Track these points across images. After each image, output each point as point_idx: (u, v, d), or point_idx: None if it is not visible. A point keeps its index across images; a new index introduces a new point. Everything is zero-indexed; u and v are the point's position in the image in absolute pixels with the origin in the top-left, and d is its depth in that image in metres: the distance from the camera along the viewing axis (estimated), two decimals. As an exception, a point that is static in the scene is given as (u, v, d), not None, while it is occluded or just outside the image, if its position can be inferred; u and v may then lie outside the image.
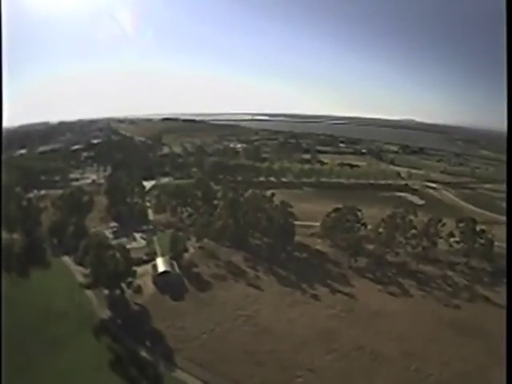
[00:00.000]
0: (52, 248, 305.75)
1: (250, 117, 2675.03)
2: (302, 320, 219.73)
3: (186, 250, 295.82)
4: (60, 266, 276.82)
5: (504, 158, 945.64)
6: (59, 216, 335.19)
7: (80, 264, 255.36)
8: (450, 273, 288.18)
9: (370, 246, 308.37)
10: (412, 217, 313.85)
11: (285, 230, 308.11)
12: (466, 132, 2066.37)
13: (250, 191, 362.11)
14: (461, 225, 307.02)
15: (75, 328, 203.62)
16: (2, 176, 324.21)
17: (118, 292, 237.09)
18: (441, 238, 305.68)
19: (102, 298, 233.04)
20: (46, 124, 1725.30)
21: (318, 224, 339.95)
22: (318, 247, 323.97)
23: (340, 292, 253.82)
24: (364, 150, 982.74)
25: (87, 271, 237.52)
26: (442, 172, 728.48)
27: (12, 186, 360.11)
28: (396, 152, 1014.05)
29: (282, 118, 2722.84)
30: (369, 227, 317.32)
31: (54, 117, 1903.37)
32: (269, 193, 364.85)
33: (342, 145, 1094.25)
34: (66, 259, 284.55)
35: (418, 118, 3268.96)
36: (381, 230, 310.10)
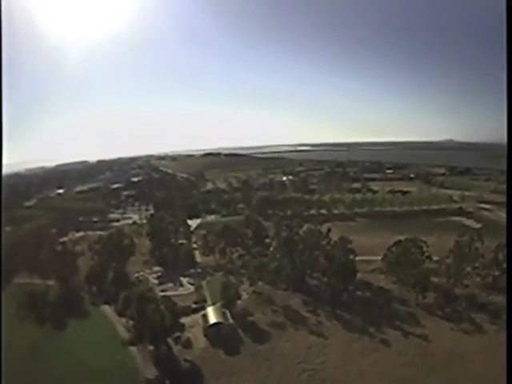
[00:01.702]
0: (90, 296, 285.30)
1: (292, 148, 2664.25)
2: (374, 370, 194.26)
3: (239, 297, 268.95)
4: (99, 317, 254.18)
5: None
6: (97, 261, 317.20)
7: (121, 315, 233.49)
8: None
9: (437, 280, 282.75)
10: (478, 244, 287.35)
11: (346, 267, 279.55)
12: (505, 148, 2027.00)
13: (304, 227, 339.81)
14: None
15: None
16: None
17: (164, 348, 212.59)
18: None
19: (146, 355, 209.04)
20: (84, 163, 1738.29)
21: (377, 258, 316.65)
22: (381, 284, 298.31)
23: (411, 334, 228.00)
24: (412, 175, 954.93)
25: (130, 323, 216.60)
26: (492, 191, 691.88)
27: (47, 228, 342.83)
28: (443, 174, 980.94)
29: (324, 148, 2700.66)
30: (434, 258, 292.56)
31: (92, 156, 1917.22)
32: (324, 228, 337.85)
33: (388, 171, 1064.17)
34: (107, 309, 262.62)
35: (457, 138, 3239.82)
36: (448, 260, 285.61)
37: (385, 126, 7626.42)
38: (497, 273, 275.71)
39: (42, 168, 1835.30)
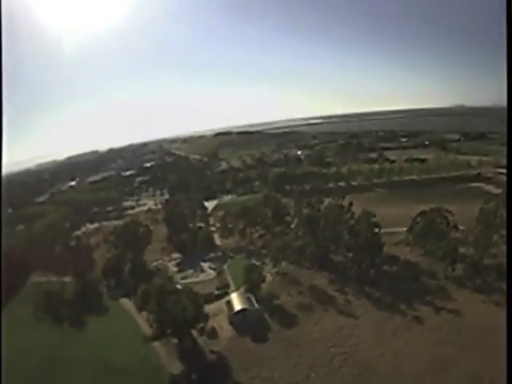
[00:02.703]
0: (108, 290, 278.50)
1: (303, 122, 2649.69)
2: (409, 351, 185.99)
3: (263, 279, 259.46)
4: (119, 312, 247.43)
5: None
6: (114, 252, 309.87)
7: (141, 309, 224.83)
8: None
9: (464, 250, 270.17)
10: (503, 211, 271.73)
11: (371, 242, 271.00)
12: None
13: (326, 203, 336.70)
14: None
15: None
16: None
17: (189, 340, 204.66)
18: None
19: (171, 349, 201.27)
20: (95, 153, 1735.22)
21: (401, 230, 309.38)
22: (407, 257, 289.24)
23: (443, 309, 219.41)
24: (427, 142, 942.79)
25: (151, 317, 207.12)
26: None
27: (60, 223, 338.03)
28: (458, 140, 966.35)
29: (336, 119, 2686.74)
30: (460, 228, 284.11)
31: (102, 145, 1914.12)
32: (346, 202, 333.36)
33: (403, 139, 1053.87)
34: (126, 302, 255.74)
35: (468, 103, 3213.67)
36: (475, 230, 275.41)
37: (393, 96, 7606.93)
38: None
39: (53, 162, 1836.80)
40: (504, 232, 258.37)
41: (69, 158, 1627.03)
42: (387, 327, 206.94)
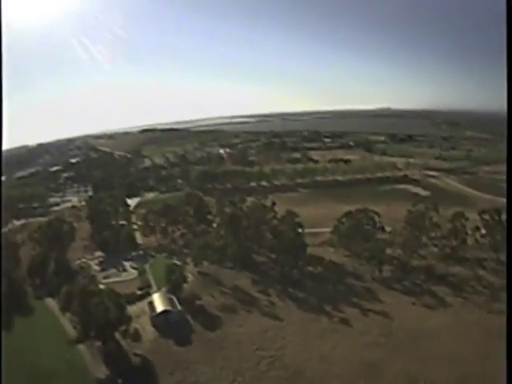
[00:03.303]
0: (34, 290, 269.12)
1: (227, 120, 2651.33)
2: (337, 354, 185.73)
3: (185, 280, 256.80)
4: (44, 313, 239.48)
5: (491, 137, 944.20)
6: (38, 250, 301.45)
7: (65, 310, 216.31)
8: (481, 272, 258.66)
9: (391, 251, 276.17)
10: (433, 213, 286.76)
11: (295, 242, 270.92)
12: (444, 115, 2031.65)
13: (248, 202, 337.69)
14: (485, 216, 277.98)
15: None
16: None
17: (112, 343, 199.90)
18: (467, 233, 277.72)
19: (95, 352, 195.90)
20: (24, 147, 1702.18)
21: (325, 230, 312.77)
22: (332, 258, 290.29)
23: (371, 311, 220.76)
24: (351, 143, 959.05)
25: (75, 318, 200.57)
26: (437, 158, 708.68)
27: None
28: (384, 142, 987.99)
29: (259, 119, 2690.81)
30: (387, 229, 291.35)
31: (33, 139, 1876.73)
32: (269, 201, 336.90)
33: (327, 139, 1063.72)
34: (51, 302, 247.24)
35: (393, 106, 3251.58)
36: (402, 231, 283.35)
37: (317, 95, 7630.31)
38: (455, 243, 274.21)
39: None
40: (433, 234, 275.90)
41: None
42: (314, 329, 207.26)
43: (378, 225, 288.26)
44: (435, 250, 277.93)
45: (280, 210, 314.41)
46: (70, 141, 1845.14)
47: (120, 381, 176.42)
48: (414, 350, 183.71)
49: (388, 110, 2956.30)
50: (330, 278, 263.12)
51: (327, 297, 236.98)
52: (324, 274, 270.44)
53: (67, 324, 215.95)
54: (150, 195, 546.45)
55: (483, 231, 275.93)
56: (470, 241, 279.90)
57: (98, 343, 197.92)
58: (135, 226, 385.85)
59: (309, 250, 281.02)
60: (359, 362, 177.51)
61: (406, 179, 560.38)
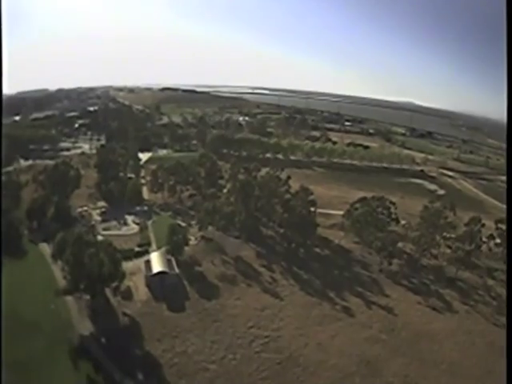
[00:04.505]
0: (30, 233, 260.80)
1: (250, 90, 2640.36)
2: (336, 344, 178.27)
3: (187, 243, 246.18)
4: (37, 258, 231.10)
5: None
6: (41, 193, 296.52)
7: (57, 258, 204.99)
8: (490, 282, 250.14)
9: (403, 246, 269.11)
10: (449, 213, 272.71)
11: (305, 220, 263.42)
12: (466, 118, 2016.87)
13: (263, 172, 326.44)
14: (501, 226, 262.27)
15: (46, 345, 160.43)
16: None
17: (102, 299, 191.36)
18: (481, 240, 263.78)
19: (82, 306, 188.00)
20: (44, 91, 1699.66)
21: (336, 213, 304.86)
22: (341, 243, 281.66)
23: (375, 304, 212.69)
24: (371, 131, 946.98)
25: (66, 268, 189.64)
26: (455, 159, 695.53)
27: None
28: (404, 134, 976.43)
29: (282, 93, 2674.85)
30: (402, 222, 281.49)
31: (53, 84, 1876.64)
32: (284, 175, 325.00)
33: (347, 123, 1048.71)
34: (45, 248, 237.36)
35: (417, 101, 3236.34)
36: (416, 226, 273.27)
37: (343, 80, 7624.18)
38: (469, 247, 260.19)
39: (4, 95, 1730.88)
40: (447, 235, 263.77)
41: (18, 94, 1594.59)
42: (314, 314, 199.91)
43: (392, 215, 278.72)
44: (448, 251, 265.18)
45: (294, 185, 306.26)
46: (90, 89, 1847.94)
47: (103, 339, 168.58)
48: (414, 353, 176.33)
49: (410, 104, 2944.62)
50: (337, 262, 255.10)
51: (332, 282, 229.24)
52: (331, 257, 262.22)
53: (58, 273, 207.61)
54: (163, 152, 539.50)
55: (498, 240, 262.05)
56: (483, 248, 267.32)
57: (87, 297, 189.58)
58: (143, 181, 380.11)
59: (318, 230, 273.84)
60: (357, 357, 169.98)
61: (422, 175, 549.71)
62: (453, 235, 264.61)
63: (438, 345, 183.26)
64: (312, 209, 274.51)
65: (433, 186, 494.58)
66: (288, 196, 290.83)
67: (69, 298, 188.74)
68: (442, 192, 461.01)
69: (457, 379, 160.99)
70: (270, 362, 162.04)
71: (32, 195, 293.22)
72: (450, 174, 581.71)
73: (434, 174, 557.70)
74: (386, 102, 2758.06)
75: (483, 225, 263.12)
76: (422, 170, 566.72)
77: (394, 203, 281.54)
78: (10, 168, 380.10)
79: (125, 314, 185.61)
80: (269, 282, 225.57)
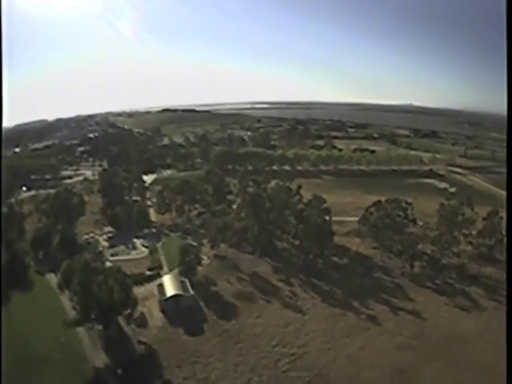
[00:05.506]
0: (36, 264, 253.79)
1: (249, 105, 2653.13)
2: (366, 355, 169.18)
3: (200, 262, 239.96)
4: (44, 289, 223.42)
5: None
6: (45, 222, 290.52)
7: (64, 288, 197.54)
8: None
9: (423, 247, 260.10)
10: (467, 209, 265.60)
11: (321, 230, 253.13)
12: (467, 115, 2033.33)
13: (272, 183, 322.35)
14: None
15: (59, 380, 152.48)
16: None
17: (115, 328, 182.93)
18: (502, 233, 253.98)
19: (94, 336, 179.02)
20: (43, 121, 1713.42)
21: (351, 219, 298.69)
22: (359, 249, 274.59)
23: (401, 310, 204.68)
24: (375, 135, 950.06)
25: (74, 298, 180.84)
26: (461, 156, 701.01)
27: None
28: (408, 136, 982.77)
29: (282, 106, 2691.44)
30: (419, 223, 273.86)
31: (52, 114, 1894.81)
32: (294, 184, 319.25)
33: (351, 129, 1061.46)
34: (52, 278, 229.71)
35: (415, 102, 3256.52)
36: (433, 226, 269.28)
37: (340, 87, 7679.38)
38: (489, 242, 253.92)
39: (4, 128, 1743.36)
40: (466, 231, 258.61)
41: (17, 126, 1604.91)
42: (340, 326, 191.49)
43: (409, 217, 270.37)
44: (469, 248, 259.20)
45: (305, 194, 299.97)
46: (89, 117, 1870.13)
47: (120, 371, 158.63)
48: (447, 357, 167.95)
49: (410, 106, 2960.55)
50: (357, 270, 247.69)
51: (354, 291, 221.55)
52: (351, 265, 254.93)
53: (67, 303, 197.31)
54: (168, 172, 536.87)
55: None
56: (504, 241, 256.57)
57: (99, 327, 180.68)
58: (149, 203, 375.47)
59: (334, 239, 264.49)
60: (389, 367, 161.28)
61: (431, 174, 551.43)
62: (473, 231, 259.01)
63: (470, 346, 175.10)
64: (327, 217, 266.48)
65: (443, 185, 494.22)
66: (301, 206, 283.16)
67: (80, 329, 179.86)
68: (453, 189, 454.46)
69: (495, 380, 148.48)
70: (299, 381, 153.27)
71: (36, 225, 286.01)
72: (459, 170, 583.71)
73: (442, 173, 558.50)
74: (386, 105, 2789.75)
75: (501, 217, 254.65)
76: (430, 170, 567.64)
77: (410, 203, 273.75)
78: (12, 199, 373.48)
79: (140, 342, 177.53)
80: (289, 296, 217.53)
